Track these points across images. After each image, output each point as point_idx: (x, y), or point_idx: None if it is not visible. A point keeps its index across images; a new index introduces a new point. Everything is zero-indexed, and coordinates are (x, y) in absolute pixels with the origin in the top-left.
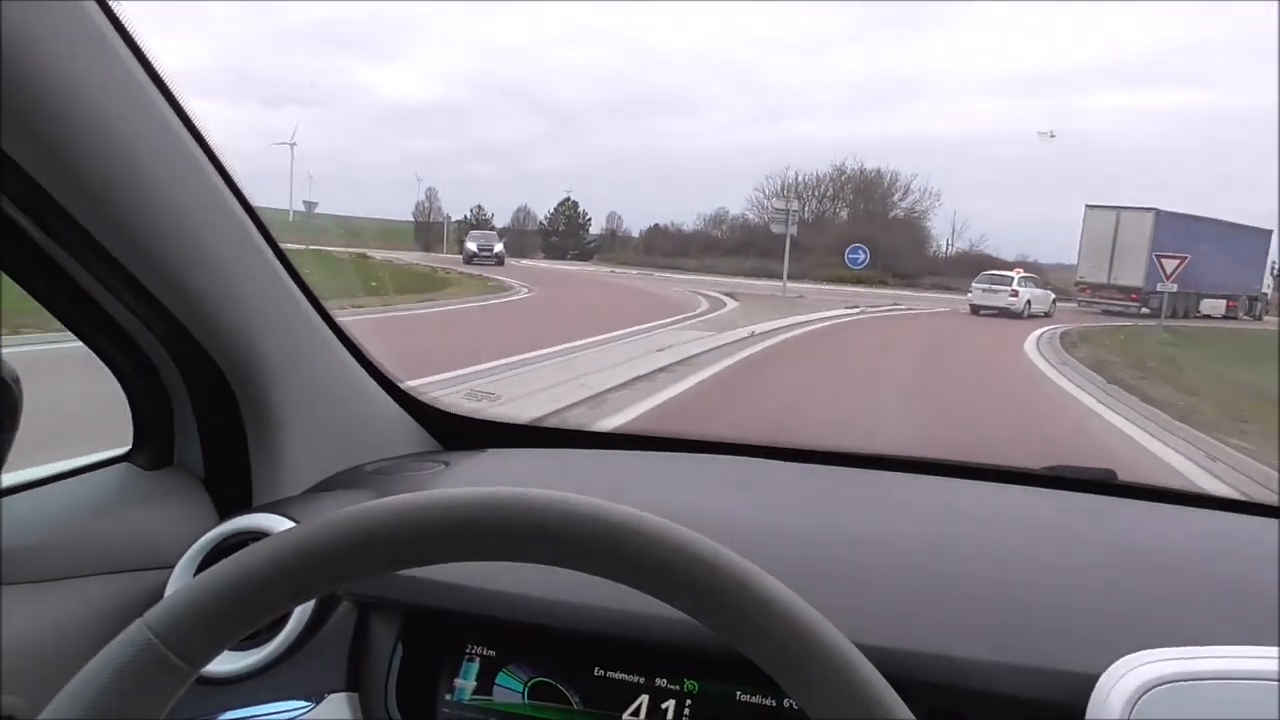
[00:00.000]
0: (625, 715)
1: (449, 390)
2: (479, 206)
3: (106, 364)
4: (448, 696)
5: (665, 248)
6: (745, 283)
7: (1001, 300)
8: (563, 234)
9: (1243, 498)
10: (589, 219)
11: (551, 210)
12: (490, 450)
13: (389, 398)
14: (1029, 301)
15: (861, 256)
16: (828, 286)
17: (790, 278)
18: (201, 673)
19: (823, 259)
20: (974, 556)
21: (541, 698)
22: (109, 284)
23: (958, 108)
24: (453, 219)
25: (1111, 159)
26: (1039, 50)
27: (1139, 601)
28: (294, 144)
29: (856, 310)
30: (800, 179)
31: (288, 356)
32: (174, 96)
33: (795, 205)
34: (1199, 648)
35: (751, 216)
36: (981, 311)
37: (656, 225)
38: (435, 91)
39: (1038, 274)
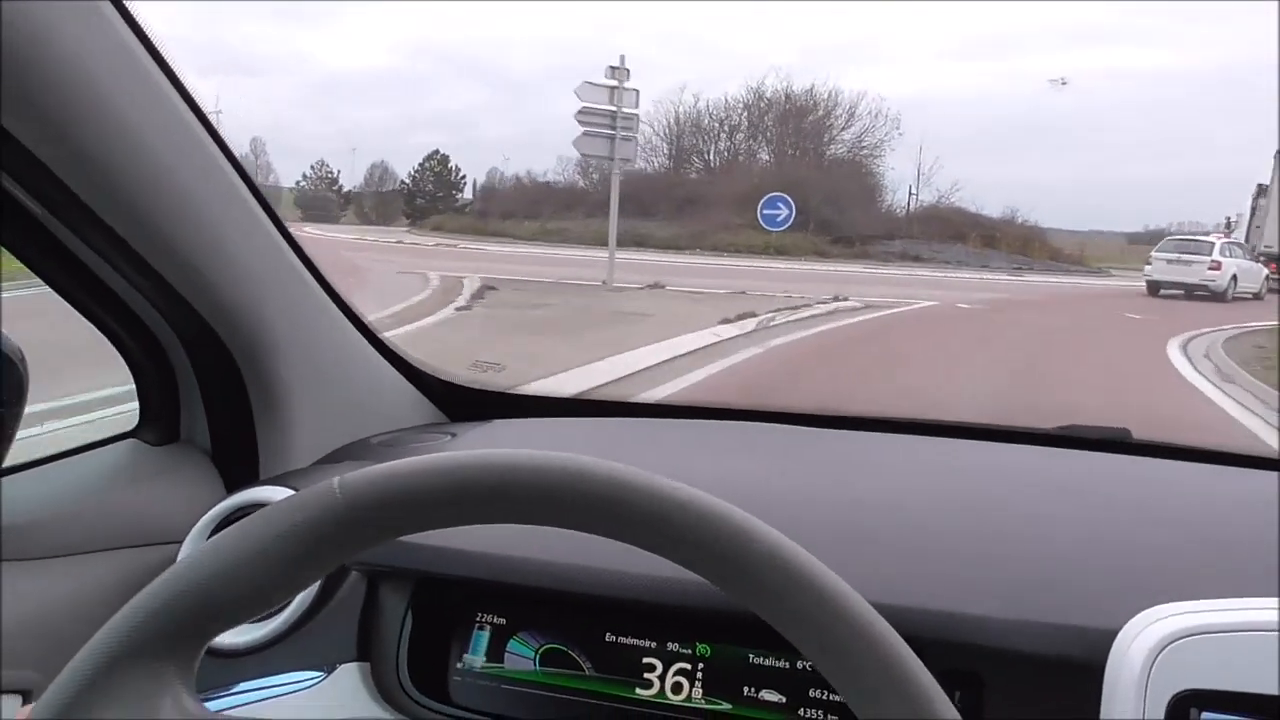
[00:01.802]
0: (639, 679)
1: None
2: (321, 162)
3: (111, 341)
4: (459, 665)
5: (504, 208)
6: (590, 255)
7: (1196, 274)
8: (431, 194)
9: (1260, 453)
10: (463, 177)
11: (416, 166)
12: (497, 420)
13: (394, 369)
14: (1234, 277)
15: (782, 212)
16: (725, 262)
17: (676, 246)
18: (213, 645)
19: (726, 218)
20: (989, 516)
21: (553, 664)
22: (112, 260)
23: (912, 71)
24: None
25: (1077, 120)
26: (980, 13)
27: (1156, 557)
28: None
29: (741, 328)
30: (708, 106)
31: (291, 330)
32: (174, 74)
33: (633, 107)
34: (1219, 600)
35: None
36: (1162, 291)
37: (498, 177)
38: (380, 60)
39: (1038, 239)
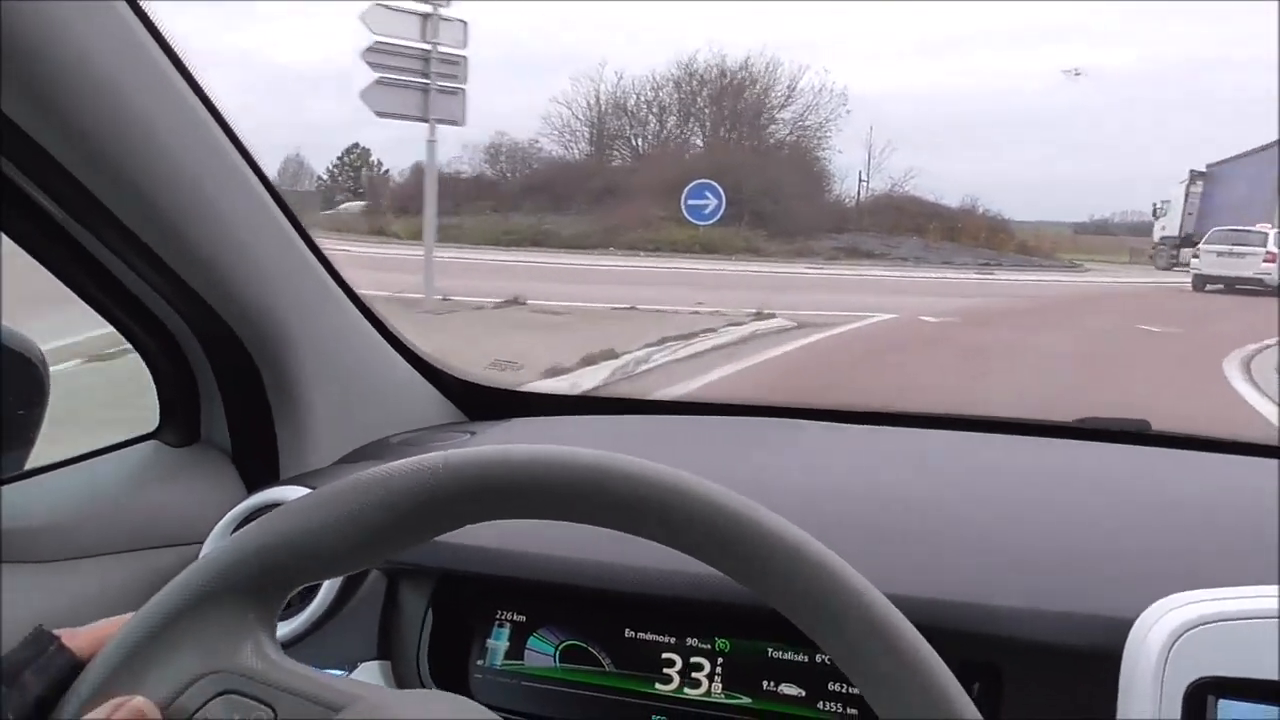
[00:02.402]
0: (658, 674)
1: None
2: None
3: (131, 342)
4: (479, 662)
5: (397, 204)
6: (479, 258)
7: (1250, 267)
8: (351, 192)
9: (1272, 443)
10: (386, 171)
11: (335, 161)
12: (516, 419)
13: (412, 369)
14: None
15: (710, 203)
16: (638, 263)
17: (583, 245)
18: None
19: (646, 211)
20: (1006, 508)
21: (573, 660)
22: (129, 260)
23: (875, 68)
24: None
25: (1016, 114)
26: (951, 9)
27: (1173, 546)
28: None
29: (574, 383)
30: (632, 85)
31: (309, 329)
32: (190, 73)
33: (458, 46)
34: (1235, 588)
35: (548, 145)
36: (1208, 286)
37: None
38: (328, 56)
39: (1004, 230)
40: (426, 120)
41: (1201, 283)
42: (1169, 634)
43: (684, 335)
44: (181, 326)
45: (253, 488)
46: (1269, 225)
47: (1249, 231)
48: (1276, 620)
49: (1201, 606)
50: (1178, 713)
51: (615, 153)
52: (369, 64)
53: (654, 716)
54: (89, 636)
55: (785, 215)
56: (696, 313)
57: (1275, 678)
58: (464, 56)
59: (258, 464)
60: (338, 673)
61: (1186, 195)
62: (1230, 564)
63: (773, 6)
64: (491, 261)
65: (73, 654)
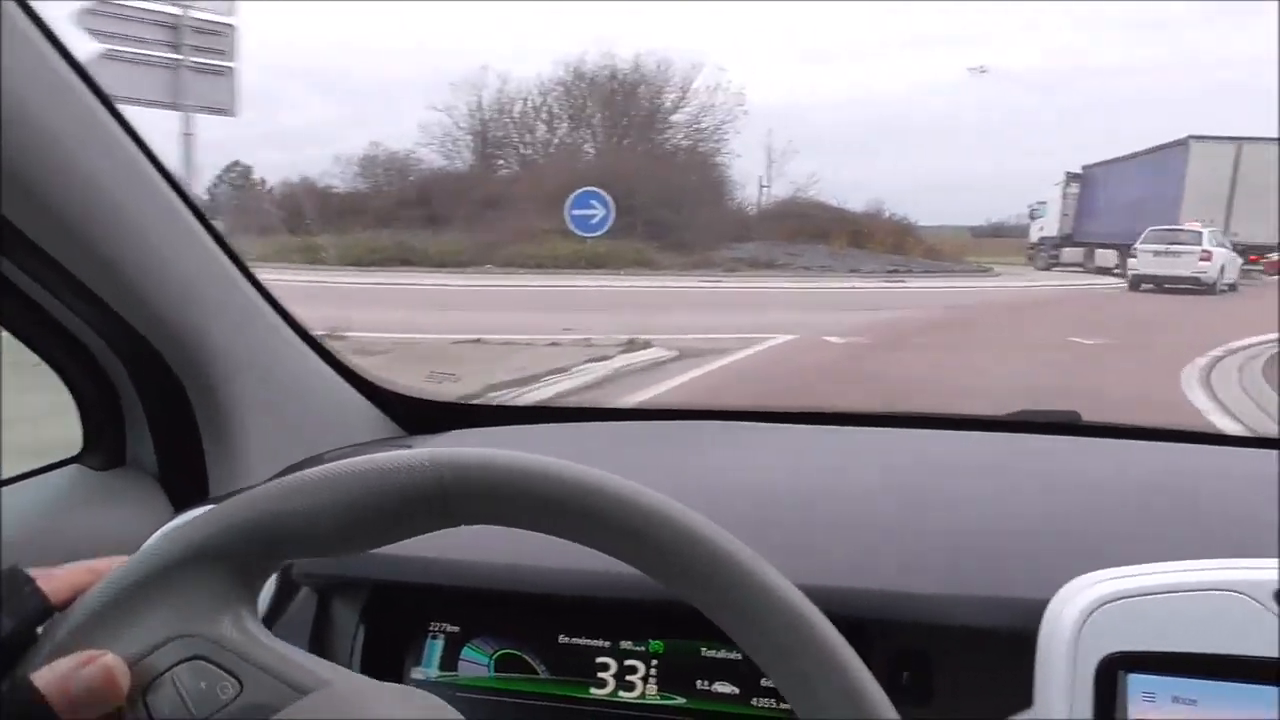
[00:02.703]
0: (593, 679)
1: None
2: None
3: (50, 365)
4: (413, 675)
5: (255, 222)
6: (334, 281)
7: (1187, 266)
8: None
9: (1198, 429)
10: (270, 190)
11: (212, 181)
12: (453, 432)
13: (345, 384)
14: (1223, 267)
15: (598, 213)
16: (513, 282)
17: (457, 262)
18: None
19: (530, 224)
20: (934, 500)
21: (508, 669)
22: (46, 282)
23: (775, 77)
24: None
25: (912, 121)
26: (844, 21)
27: (1090, 530)
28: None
29: None
30: (518, 90)
31: (238, 347)
32: (101, 91)
33: (225, 14)
34: (1142, 565)
35: (425, 156)
36: (1143, 286)
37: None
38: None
39: (912, 234)
40: (178, 108)
41: (1138, 282)
42: (1080, 612)
43: (521, 380)
44: (103, 347)
45: (180, 509)
46: (1197, 223)
47: (1183, 230)
48: (1184, 594)
49: (1111, 584)
50: (1090, 688)
51: (502, 162)
52: (88, 31)
53: None
54: (64, 579)
55: (682, 225)
56: (557, 343)
57: (1182, 650)
58: (230, 25)
59: (186, 485)
60: None
61: (1064, 196)
62: (1143, 544)
63: (664, 8)
64: (347, 285)
65: (46, 598)
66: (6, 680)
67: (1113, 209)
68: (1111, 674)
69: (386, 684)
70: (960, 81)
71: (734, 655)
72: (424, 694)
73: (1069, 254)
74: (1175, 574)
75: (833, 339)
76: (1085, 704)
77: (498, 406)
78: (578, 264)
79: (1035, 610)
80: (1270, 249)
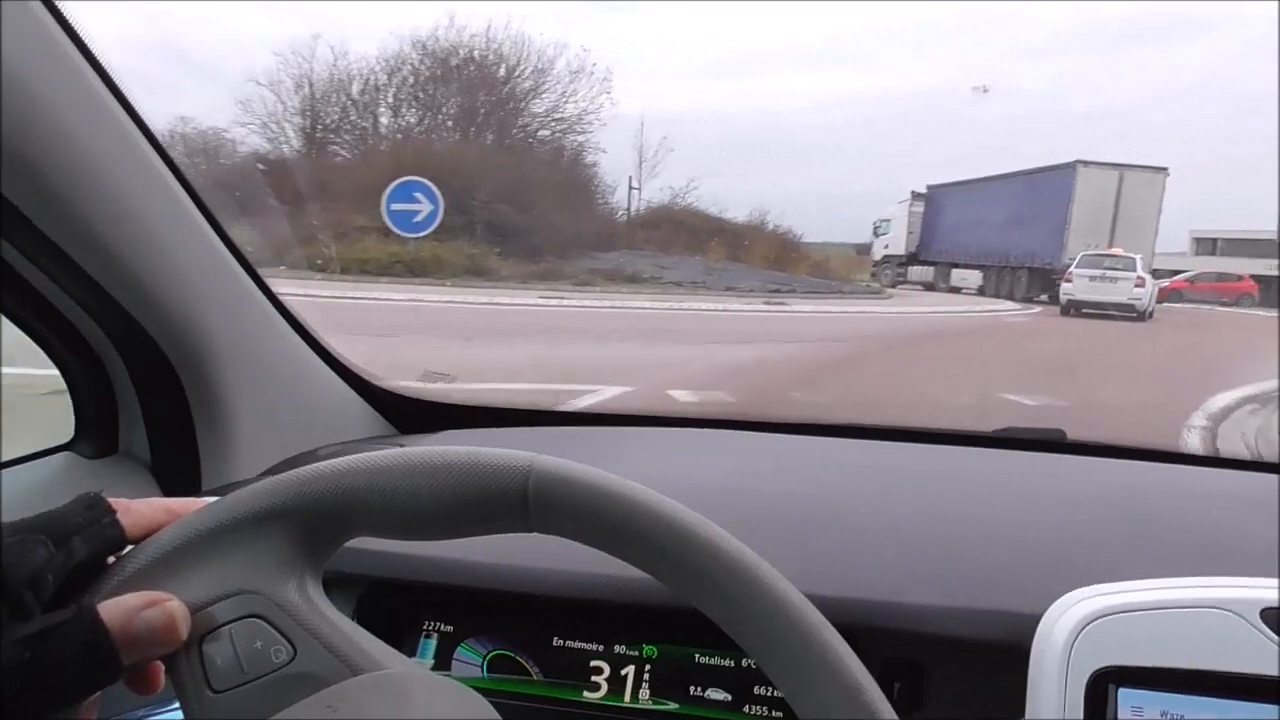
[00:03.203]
0: (586, 682)
1: None
2: None
3: (45, 350)
4: None
5: None
6: None
7: (1123, 292)
8: None
9: (1179, 450)
10: None
11: None
12: (446, 432)
13: (341, 380)
14: (1152, 294)
15: (422, 208)
16: (310, 291)
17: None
18: None
19: (343, 221)
20: (926, 511)
21: (501, 670)
22: (44, 266)
23: (659, 89)
24: None
25: (797, 136)
26: (731, 35)
27: (1083, 544)
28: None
29: None
30: (357, 67)
31: (234, 339)
32: (108, 75)
33: None
34: (1133, 582)
35: (242, 137)
36: (1083, 310)
37: None
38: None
39: (796, 249)
40: None
41: (1073, 307)
42: (1073, 627)
43: None
44: (98, 334)
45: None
46: (1117, 251)
47: (1117, 256)
48: (1173, 610)
49: (1103, 600)
50: (1081, 701)
51: (336, 149)
52: None
53: None
54: (142, 514)
55: (530, 228)
56: None
57: (1171, 665)
58: None
59: (178, 476)
60: None
61: (909, 214)
62: (1135, 560)
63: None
64: None
65: (122, 529)
66: (74, 606)
67: (977, 230)
68: (1102, 688)
69: (441, 678)
70: (851, 96)
71: (727, 662)
72: (476, 695)
73: (916, 272)
74: (1166, 591)
75: (680, 394)
76: (1076, 716)
77: (490, 408)
78: (394, 269)
79: (1028, 624)
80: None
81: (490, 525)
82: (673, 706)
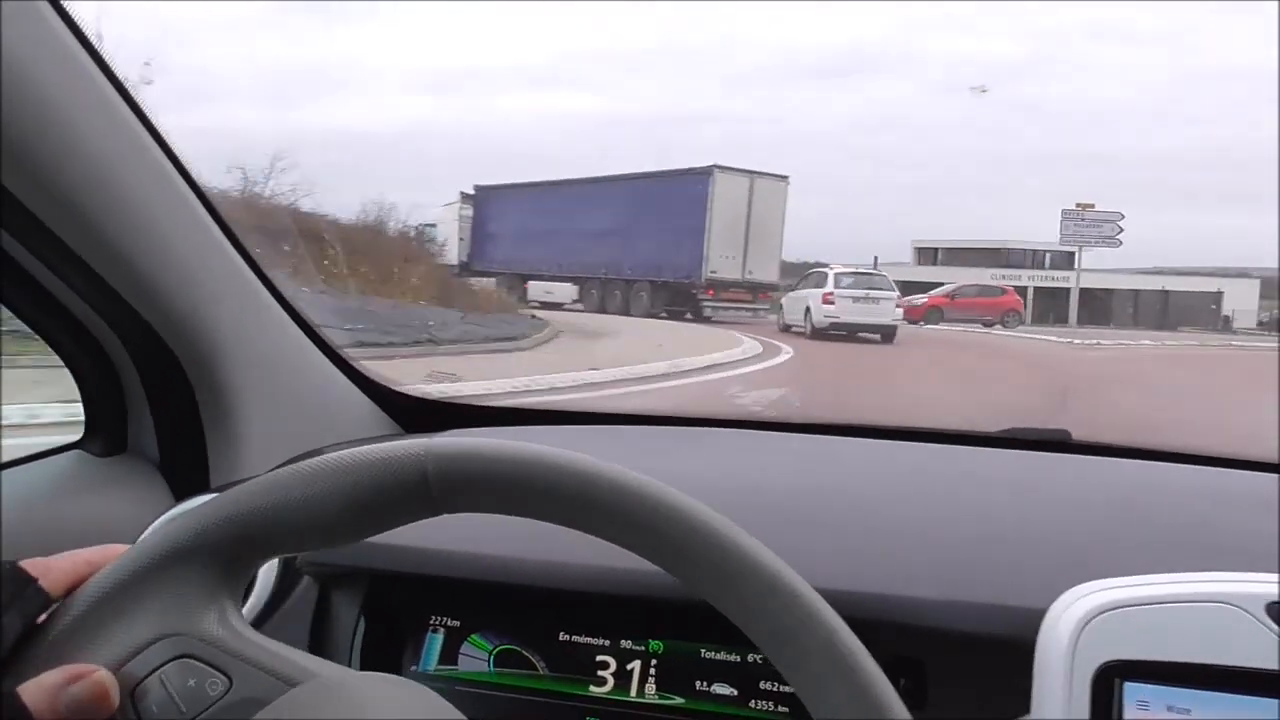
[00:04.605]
0: (593, 677)
1: None
2: None
3: (54, 349)
4: (413, 667)
5: None
6: None
7: (887, 313)
8: None
9: (1184, 450)
10: None
11: None
12: (452, 431)
13: (348, 380)
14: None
15: None
16: None
17: None
18: None
19: None
20: (930, 508)
21: (508, 664)
22: (54, 266)
23: (385, 102)
24: None
25: (520, 153)
26: (459, 49)
27: (1083, 542)
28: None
29: None
30: None
31: (242, 338)
32: (116, 76)
33: None
34: (1139, 576)
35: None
36: (831, 330)
37: None
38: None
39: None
40: None
41: (826, 331)
42: (1078, 620)
43: None
44: (108, 333)
45: (181, 497)
46: (840, 265)
47: (876, 274)
48: (1179, 605)
49: (1108, 594)
50: (1087, 695)
51: None
52: None
53: (588, 718)
54: (62, 571)
55: None
56: None
57: (1177, 659)
58: None
59: (187, 474)
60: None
61: (460, 218)
62: (1136, 557)
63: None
64: None
65: (46, 594)
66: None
67: (570, 238)
68: (1108, 681)
69: (373, 674)
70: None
71: (733, 657)
72: (413, 684)
73: (475, 282)
74: (1171, 585)
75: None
76: (1082, 710)
77: (497, 407)
78: None
79: (1033, 618)
80: (774, 287)
81: (398, 516)
82: (679, 701)
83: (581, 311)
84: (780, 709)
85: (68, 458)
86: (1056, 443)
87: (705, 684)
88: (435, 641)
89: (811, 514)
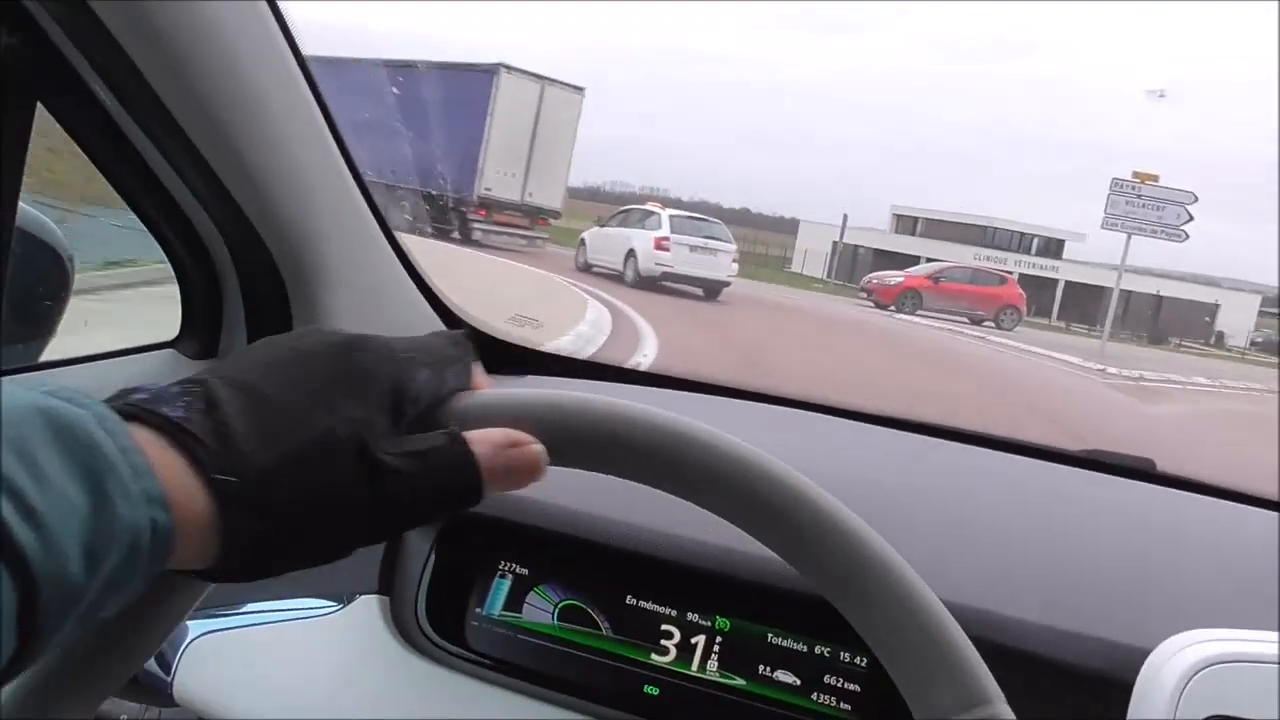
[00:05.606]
0: (655, 645)
1: None
2: None
3: (161, 244)
4: (478, 610)
5: None
6: None
7: (724, 267)
8: None
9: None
10: None
11: None
12: (527, 377)
13: (436, 316)
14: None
15: None
16: None
17: None
18: None
19: None
20: (1022, 525)
21: (571, 620)
22: (174, 159)
23: None
24: None
25: None
26: None
27: (1186, 584)
28: None
29: None
30: None
31: (345, 262)
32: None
33: None
34: (1252, 630)
35: None
36: (662, 281)
37: None
38: None
39: None
40: None
41: (661, 281)
42: (1187, 668)
43: None
44: (214, 234)
45: None
46: (657, 205)
47: (713, 222)
48: None
49: (1219, 646)
50: None
51: None
52: None
53: (646, 686)
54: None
55: None
56: None
57: None
58: None
59: None
60: (332, 604)
61: None
62: (1241, 607)
63: None
64: None
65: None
66: (448, 431)
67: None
68: None
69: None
70: None
71: (800, 646)
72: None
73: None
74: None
75: None
76: None
77: (571, 359)
78: None
79: (1135, 658)
80: (556, 214)
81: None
82: (740, 683)
83: None
84: (843, 706)
85: (160, 355)
86: (1140, 471)
87: (769, 669)
88: (502, 587)
89: (906, 515)
